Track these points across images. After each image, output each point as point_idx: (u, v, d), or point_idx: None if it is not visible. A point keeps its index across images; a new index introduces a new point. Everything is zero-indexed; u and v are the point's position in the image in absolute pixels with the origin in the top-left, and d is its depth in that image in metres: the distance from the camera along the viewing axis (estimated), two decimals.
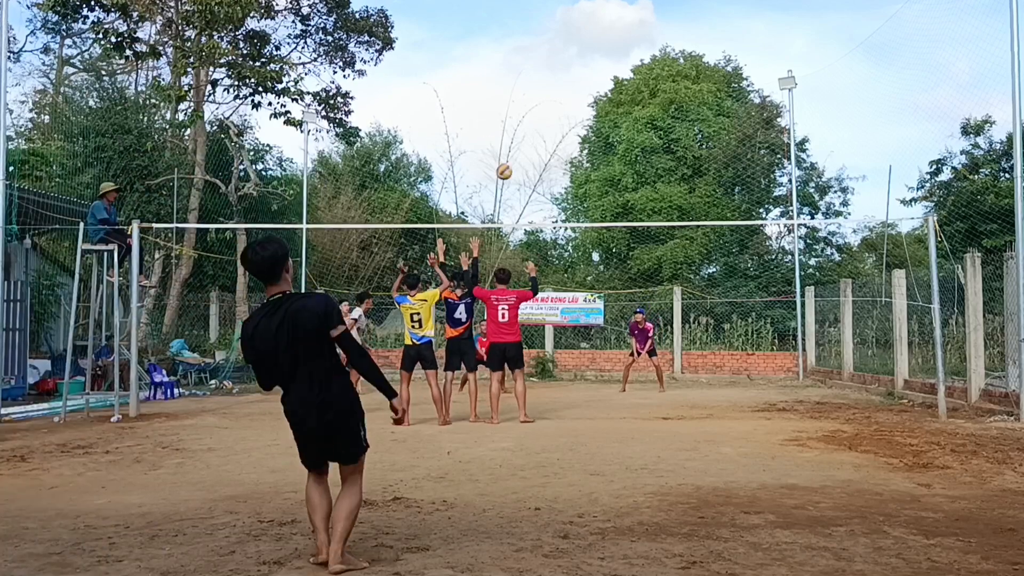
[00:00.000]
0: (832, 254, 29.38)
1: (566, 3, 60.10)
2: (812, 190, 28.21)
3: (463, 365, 11.61)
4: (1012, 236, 11.94)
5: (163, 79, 23.93)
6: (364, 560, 4.46)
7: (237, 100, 24.23)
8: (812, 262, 28.46)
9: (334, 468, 4.56)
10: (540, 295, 22.34)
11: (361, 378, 12.45)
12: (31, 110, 31.57)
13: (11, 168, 13.70)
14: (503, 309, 11.26)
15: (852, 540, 4.92)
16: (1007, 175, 21.20)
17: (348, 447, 4.42)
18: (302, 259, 22.44)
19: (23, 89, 43.34)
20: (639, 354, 17.70)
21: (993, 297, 14.53)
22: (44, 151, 22.51)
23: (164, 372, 15.94)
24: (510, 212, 44.61)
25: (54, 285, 17.49)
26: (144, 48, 21.14)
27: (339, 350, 4.47)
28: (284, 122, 22.80)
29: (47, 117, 28.88)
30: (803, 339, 21.18)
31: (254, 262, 4.34)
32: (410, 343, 11.19)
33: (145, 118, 23.34)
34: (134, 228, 12.45)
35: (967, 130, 22.89)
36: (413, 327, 11.12)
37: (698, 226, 26.21)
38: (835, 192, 28.46)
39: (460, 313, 11.43)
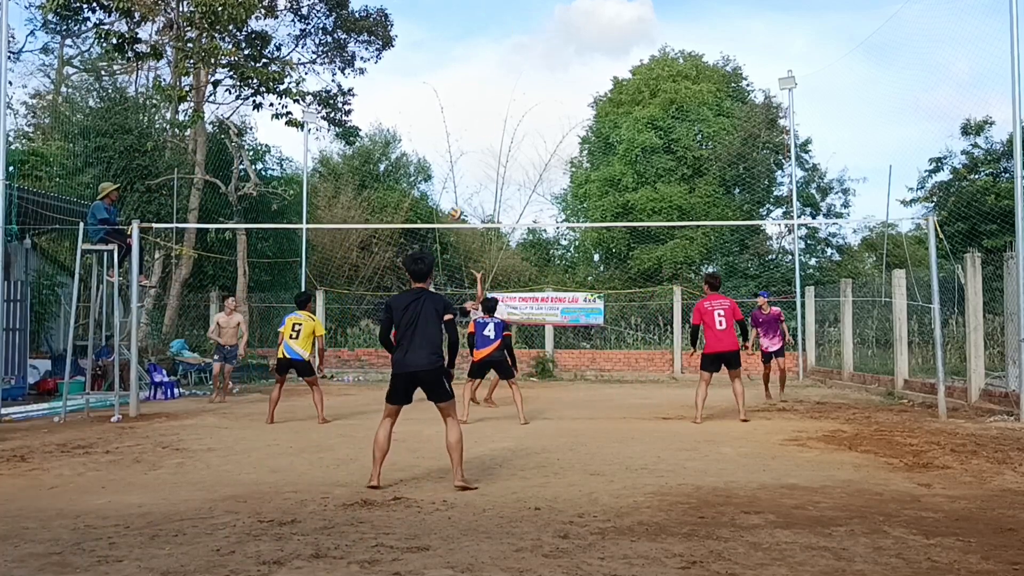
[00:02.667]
0: (832, 254, 29.42)
1: (564, 2, 60.19)
2: (814, 191, 28.25)
3: (494, 374, 11.78)
4: (1012, 236, 11.94)
5: (163, 79, 23.92)
6: (476, 483, 6.49)
7: (238, 101, 24.26)
8: (812, 262, 28.48)
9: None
10: (540, 295, 22.47)
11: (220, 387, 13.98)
12: (31, 111, 31.58)
13: (11, 168, 13.69)
14: (719, 316, 11.29)
15: (852, 540, 4.92)
16: (1007, 175, 21.21)
17: (440, 388, 6.54)
18: (302, 259, 22.44)
19: (28, 90, 43.40)
20: (768, 356, 14.22)
21: (993, 297, 14.54)
22: (44, 151, 22.49)
23: (164, 372, 15.94)
24: (510, 212, 44.67)
25: (54, 285, 17.48)
26: (145, 49, 21.11)
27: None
28: (285, 123, 22.81)
29: (47, 118, 28.86)
30: (803, 339, 21.18)
31: (419, 270, 6.61)
32: (281, 355, 11.31)
33: (145, 118, 23.32)
34: (134, 228, 12.44)
35: (967, 130, 22.91)
36: (290, 338, 11.27)
37: (698, 226, 26.22)
38: (836, 193, 28.54)
39: (489, 330, 11.63)
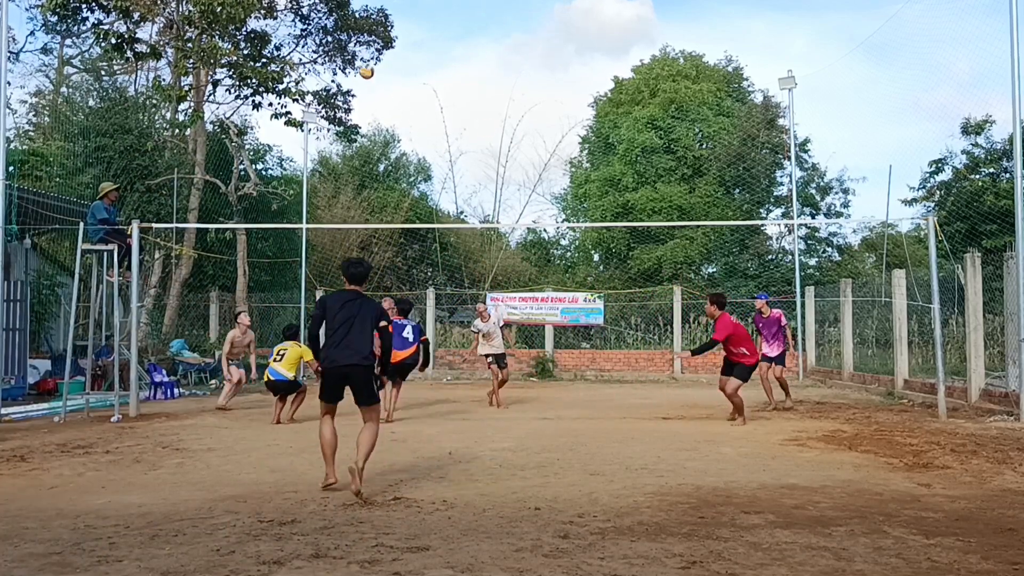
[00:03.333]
0: (832, 254, 29.41)
1: (563, 1, 60.21)
2: (813, 191, 28.24)
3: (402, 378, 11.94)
4: (1012, 236, 11.94)
5: (163, 79, 23.91)
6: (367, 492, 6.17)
7: (238, 101, 24.24)
8: (812, 262, 28.47)
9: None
10: (540, 295, 22.51)
11: (230, 391, 13.00)
12: (30, 111, 31.60)
13: (11, 168, 13.68)
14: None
15: (852, 540, 4.92)
16: (1007, 175, 21.20)
17: (369, 388, 6.49)
18: (302, 259, 22.44)
19: (27, 89, 43.48)
20: (771, 359, 13.07)
21: (993, 297, 14.54)
22: (44, 151, 22.48)
23: (164, 372, 15.93)
24: (510, 212, 44.71)
25: (54, 285, 17.46)
26: (144, 49, 21.11)
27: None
28: (285, 123, 22.80)
29: (47, 117, 28.86)
30: (803, 339, 21.18)
31: (357, 273, 6.71)
32: (268, 379, 11.68)
33: (145, 118, 23.32)
34: (134, 228, 12.44)
35: (967, 130, 22.90)
36: (273, 365, 11.67)
37: (698, 226, 26.22)
38: (836, 193, 28.54)
39: (407, 332, 11.69)
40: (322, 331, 6.67)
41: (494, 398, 13.72)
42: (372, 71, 14.03)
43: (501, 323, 14.18)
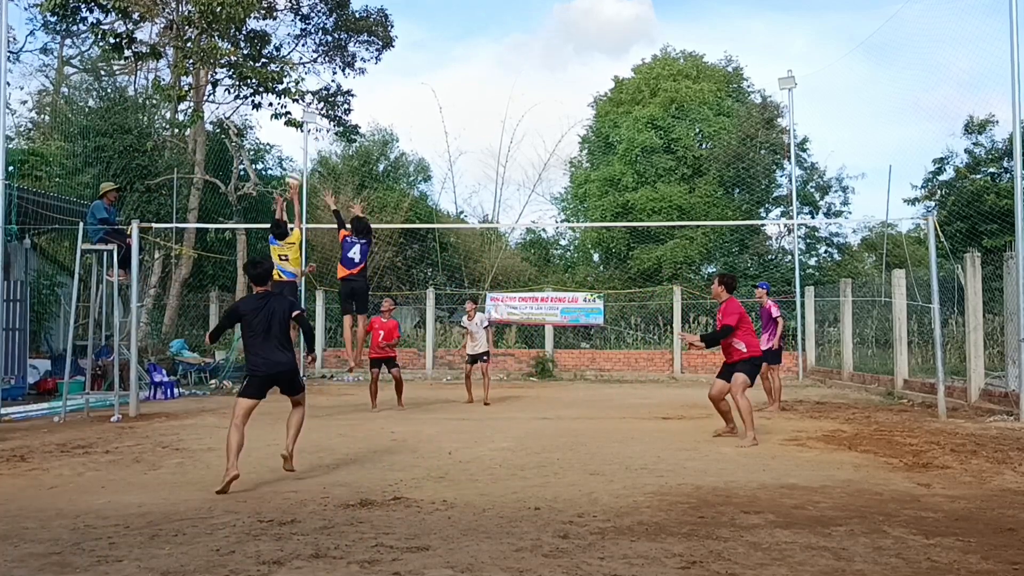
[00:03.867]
0: (832, 254, 29.41)
1: (563, 0, 60.21)
2: (812, 190, 28.23)
3: (354, 306, 11.83)
4: (1012, 236, 11.94)
5: (163, 79, 23.89)
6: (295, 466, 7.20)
7: (237, 100, 24.24)
8: (812, 262, 28.47)
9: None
10: (540, 295, 22.49)
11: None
12: (31, 110, 31.59)
13: (11, 168, 13.68)
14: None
15: (852, 540, 4.92)
16: (1008, 175, 21.20)
17: (296, 382, 7.18)
18: (302, 259, 22.43)
19: (27, 89, 43.48)
20: (771, 357, 12.22)
21: (993, 297, 14.53)
22: (44, 151, 22.47)
23: (164, 372, 15.94)
24: (509, 212, 44.68)
25: (54, 285, 17.47)
26: (144, 48, 21.10)
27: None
28: (285, 123, 22.81)
29: (47, 117, 28.84)
30: (803, 339, 21.17)
31: (258, 274, 7.16)
32: (278, 277, 11.68)
33: (145, 118, 23.31)
34: (134, 228, 12.44)
35: (969, 129, 22.89)
36: (281, 263, 11.84)
37: (698, 226, 26.22)
38: (835, 192, 28.54)
39: (354, 253, 11.71)
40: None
41: (486, 395, 13.95)
42: (298, 183, 13.83)
43: (486, 323, 14.32)
